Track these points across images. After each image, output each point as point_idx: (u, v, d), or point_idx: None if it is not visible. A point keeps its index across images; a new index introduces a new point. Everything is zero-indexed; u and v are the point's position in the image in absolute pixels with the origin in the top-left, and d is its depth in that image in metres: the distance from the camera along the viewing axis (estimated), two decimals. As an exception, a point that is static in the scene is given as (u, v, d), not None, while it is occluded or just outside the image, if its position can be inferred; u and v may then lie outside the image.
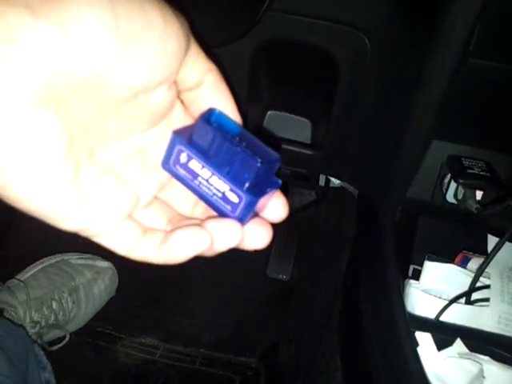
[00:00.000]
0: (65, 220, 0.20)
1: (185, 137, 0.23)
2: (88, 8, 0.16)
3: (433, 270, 0.51)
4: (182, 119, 0.24)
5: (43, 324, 0.68)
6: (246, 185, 0.21)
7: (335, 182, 0.85)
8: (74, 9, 0.16)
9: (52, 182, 0.18)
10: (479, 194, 0.48)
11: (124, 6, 0.18)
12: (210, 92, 0.23)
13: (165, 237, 0.23)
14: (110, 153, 0.21)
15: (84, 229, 0.21)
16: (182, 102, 0.24)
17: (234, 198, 0.22)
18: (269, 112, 0.66)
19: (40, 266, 0.76)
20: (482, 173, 0.48)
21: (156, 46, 0.19)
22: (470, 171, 0.48)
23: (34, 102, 0.16)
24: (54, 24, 0.16)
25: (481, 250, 0.52)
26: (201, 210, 0.25)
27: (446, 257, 0.52)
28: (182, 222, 0.24)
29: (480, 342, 0.46)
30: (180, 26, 0.20)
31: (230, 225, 0.22)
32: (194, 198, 0.25)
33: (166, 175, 0.24)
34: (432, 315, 0.48)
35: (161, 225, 0.24)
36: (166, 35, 0.19)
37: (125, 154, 0.22)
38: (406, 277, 0.53)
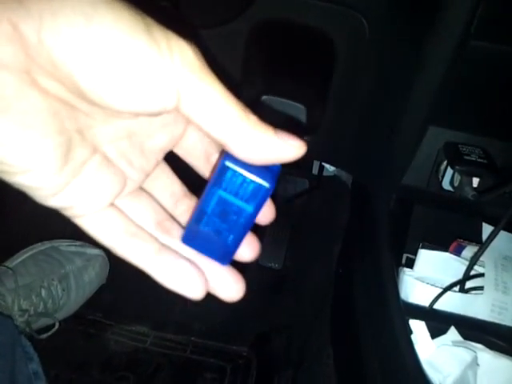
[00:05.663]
0: (52, 197, 0.20)
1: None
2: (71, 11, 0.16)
3: (427, 258, 0.51)
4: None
5: (32, 312, 0.67)
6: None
7: (329, 169, 0.84)
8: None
9: (45, 160, 0.18)
10: (476, 181, 0.48)
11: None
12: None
13: (162, 250, 0.22)
14: (97, 134, 0.20)
15: (68, 207, 0.20)
16: None
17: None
18: (263, 97, 0.64)
19: (29, 253, 0.74)
20: (479, 159, 0.47)
21: None
22: (467, 158, 0.47)
23: (19, 80, 0.16)
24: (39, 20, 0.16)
25: (475, 238, 0.52)
26: (184, 207, 0.25)
27: (441, 245, 0.52)
28: (172, 230, 0.24)
29: (474, 330, 0.46)
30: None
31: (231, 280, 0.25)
32: (178, 194, 0.25)
33: (151, 163, 0.23)
34: (426, 303, 0.48)
35: (149, 224, 0.23)
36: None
37: (112, 137, 0.21)
38: (399, 265, 0.53)
